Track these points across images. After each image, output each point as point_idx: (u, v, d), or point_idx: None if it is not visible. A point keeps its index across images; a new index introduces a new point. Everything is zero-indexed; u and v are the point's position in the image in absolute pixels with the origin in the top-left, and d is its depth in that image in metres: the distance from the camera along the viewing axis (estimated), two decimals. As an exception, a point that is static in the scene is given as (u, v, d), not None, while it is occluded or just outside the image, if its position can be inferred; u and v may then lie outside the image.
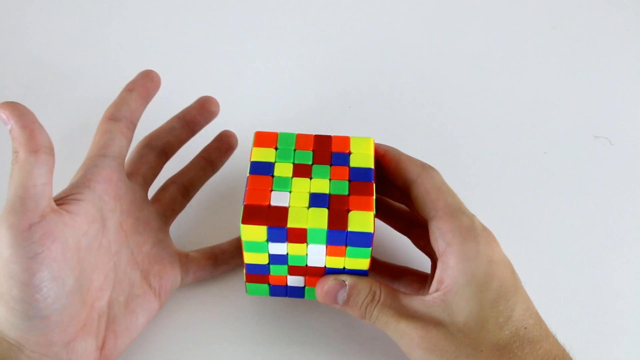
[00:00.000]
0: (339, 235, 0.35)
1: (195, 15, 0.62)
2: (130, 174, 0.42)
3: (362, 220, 0.35)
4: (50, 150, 0.34)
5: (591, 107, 0.56)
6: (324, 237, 0.35)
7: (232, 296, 0.43)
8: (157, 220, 0.42)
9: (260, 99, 0.56)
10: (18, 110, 0.33)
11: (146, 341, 0.41)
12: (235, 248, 0.44)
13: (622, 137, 0.53)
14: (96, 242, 0.37)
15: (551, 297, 0.43)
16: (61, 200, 0.36)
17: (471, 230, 0.36)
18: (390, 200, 0.44)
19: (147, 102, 0.42)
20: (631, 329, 0.43)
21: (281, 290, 0.40)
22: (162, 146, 0.43)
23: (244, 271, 0.39)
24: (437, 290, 0.36)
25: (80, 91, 0.56)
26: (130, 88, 0.41)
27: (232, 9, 0.63)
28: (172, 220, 0.44)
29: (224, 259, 0.44)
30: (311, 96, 0.56)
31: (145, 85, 0.41)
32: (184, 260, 0.42)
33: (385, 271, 0.43)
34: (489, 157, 0.52)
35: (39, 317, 0.33)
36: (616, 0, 0.64)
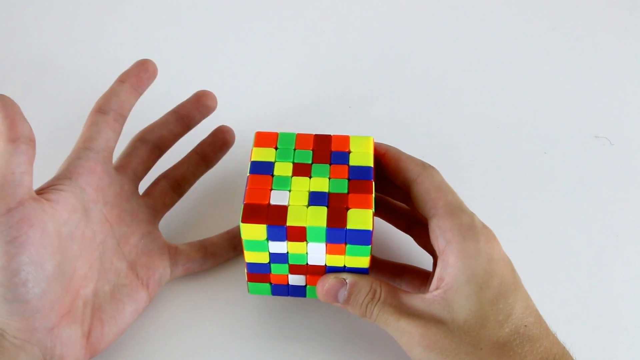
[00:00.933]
0: (338, 233, 0.35)
1: (195, 14, 0.62)
2: (121, 167, 0.42)
3: (361, 218, 0.35)
4: (31, 141, 0.34)
5: (591, 107, 0.55)
6: (323, 235, 0.35)
7: (234, 296, 0.43)
8: (145, 213, 0.43)
9: (261, 98, 0.56)
10: (2, 101, 0.34)
11: (147, 341, 0.41)
12: (225, 240, 0.44)
13: (622, 137, 0.53)
14: (78, 231, 0.37)
15: (551, 296, 0.43)
16: (42, 191, 0.36)
17: (471, 229, 0.36)
18: (391, 199, 0.44)
19: (140, 93, 0.42)
20: (631, 329, 0.43)
21: (283, 290, 0.40)
22: (155, 140, 0.43)
23: (246, 271, 0.39)
24: (437, 288, 0.36)
25: (76, 86, 0.56)
26: (122, 79, 0.41)
27: (232, 8, 0.63)
28: (163, 214, 0.44)
29: (214, 250, 0.44)
30: (311, 95, 0.56)
31: (138, 75, 0.41)
32: (173, 252, 0.43)
33: (386, 269, 0.43)
34: (489, 157, 0.52)
35: (18, 301, 0.34)
36: (616, 0, 0.64)
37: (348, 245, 0.36)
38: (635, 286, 0.45)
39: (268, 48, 0.60)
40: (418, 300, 0.36)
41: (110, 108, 0.40)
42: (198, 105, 0.45)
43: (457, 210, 0.37)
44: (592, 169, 0.51)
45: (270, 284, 0.39)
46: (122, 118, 0.40)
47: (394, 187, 0.42)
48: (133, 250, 0.41)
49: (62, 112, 0.54)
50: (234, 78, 0.57)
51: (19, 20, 0.62)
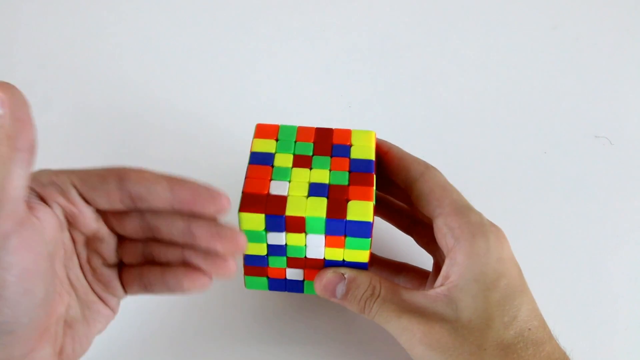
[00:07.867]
0: (337, 224, 0.34)
1: (198, 14, 0.62)
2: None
3: (361, 209, 0.34)
4: (35, 150, 0.29)
5: (591, 107, 0.55)
6: (322, 226, 0.34)
7: (230, 292, 0.42)
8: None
9: (261, 98, 0.55)
10: (16, 98, 0.28)
11: (142, 338, 0.41)
12: None
13: (622, 137, 0.53)
14: (59, 250, 0.34)
15: (551, 296, 0.42)
16: (29, 203, 0.32)
17: (480, 226, 0.35)
18: (392, 199, 0.43)
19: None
20: (631, 330, 0.42)
21: (280, 284, 0.39)
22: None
23: (242, 264, 0.38)
24: (442, 285, 0.35)
25: (75, 86, 0.55)
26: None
27: (234, 8, 0.63)
28: None
29: None
30: (312, 95, 0.56)
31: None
32: None
33: (385, 267, 0.42)
34: (489, 156, 0.52)
35: (4, 333, 0.30)
36: (616, 0, 0.64)
37: (348, 238, 0.35)
38: (635, 287, 0.45)
39: (269, 47, 0.60)
40: (420, 297, 0.35)
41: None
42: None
43: (464, 208, 0.36)
44: (592, 169, 0.51)
45: (268, 278, 0.39)
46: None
47: (395, 187, 0.41)
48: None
49: (58, 112, 0.53)
50: (235, 77, 0.57)
51: (18, 20, 0.61)
